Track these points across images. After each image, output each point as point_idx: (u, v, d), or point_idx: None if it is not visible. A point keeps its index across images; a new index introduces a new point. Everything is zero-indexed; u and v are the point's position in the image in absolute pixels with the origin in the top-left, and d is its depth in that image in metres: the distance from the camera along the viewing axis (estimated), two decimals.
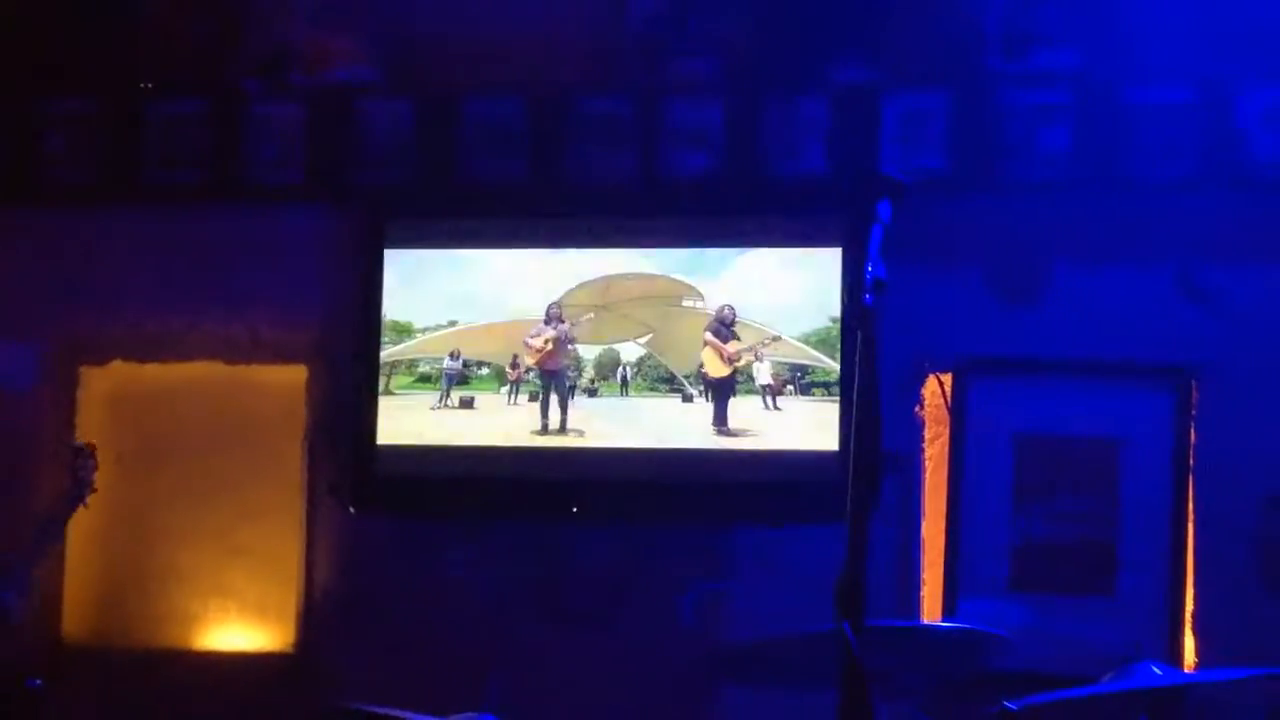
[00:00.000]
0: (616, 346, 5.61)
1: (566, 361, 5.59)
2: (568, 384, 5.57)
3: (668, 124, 5.55)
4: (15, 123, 5.89)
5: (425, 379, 5.68)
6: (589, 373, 5.59)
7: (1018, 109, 5.34)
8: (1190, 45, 5.23)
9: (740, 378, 5.48)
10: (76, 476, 5.37)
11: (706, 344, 5.52)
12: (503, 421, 5.61)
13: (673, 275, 5.56)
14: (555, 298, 5.60)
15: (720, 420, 5.48)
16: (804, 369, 5.45)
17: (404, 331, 5.69)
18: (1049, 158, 5.30)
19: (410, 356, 5.68)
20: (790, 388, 5.44)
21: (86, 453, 5.41)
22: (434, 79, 5.73)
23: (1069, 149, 5.29)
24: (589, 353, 5.61)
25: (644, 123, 5.56)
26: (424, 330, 5.69)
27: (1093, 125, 5.28)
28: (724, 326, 5.52)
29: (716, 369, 5.52)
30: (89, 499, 5.37)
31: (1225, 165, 5.20)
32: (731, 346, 5.50)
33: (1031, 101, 5.34)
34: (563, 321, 5.60)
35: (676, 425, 5.53)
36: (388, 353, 5.66)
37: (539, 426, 5.59)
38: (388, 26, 5.80)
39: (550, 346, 5.61)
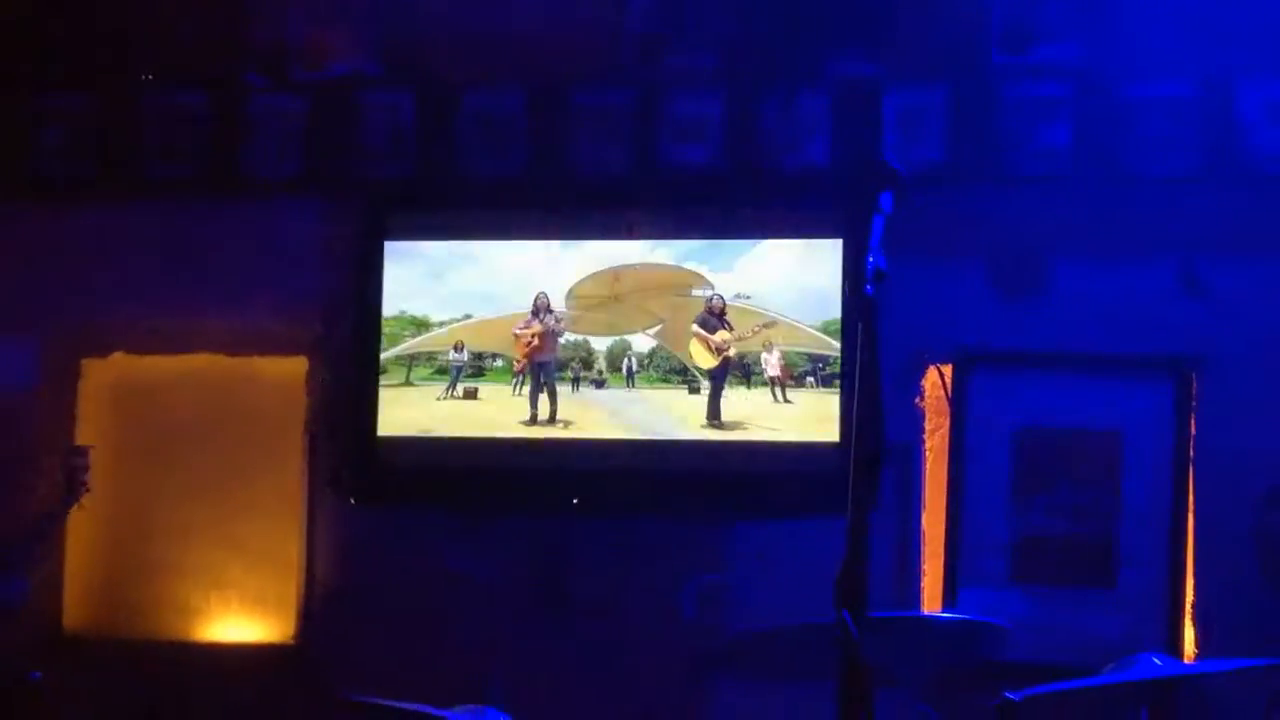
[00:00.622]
0: (628, 338, 5.60)
1: (569, 354, 5.58)
2: (571, 375, 5.57)
3: (667, 118, 5.55)
4: (15, 117, 5.89)
5: (443, 371, 5.68)
6: (599, 364, 5.59)
7: (1019, 103, 5.35)
8: (1191, 40, 5.22)
9: (755, 369, 5.46)
10: (71, 477, 5.37)
11: (693, 335, 5.51)
12: (498, 412, 5.62)
13: (685, 265, 5.55)
14: (564, 289, 5.59)
15: (714, 413, 5.47)
16: (824, 359, 5.42)
17: (422, 325, 5.69)
18: (1050, 152, 5.30)
19: (422, 350, 5.68)
20: (811, 379, 5.42)
21: (80, 452, 5.41)
22: (434, 72, 5.73)
23: (1070, 143, 5.29)
24: (601, 344, 5.60)
25: (643, 116, 5.56)
26: (441, 324, 5.69)
27: (1093, 120, 5.28)
28: (712, 316, 5.49)
29: (704, 360, 5.50)
30: (83, 499, 5.38)
31: (1226, 160, 5.20)
32: (719, 336, 5.48)
33: (1032, 96, 5.34)
34: (550, 313, 5.60)
35: (667, 418, 5.51)
36: (402, 346, 5.66)
37: (528, 417, 5.59)
38: (387, 20, 5.79)
39: (536, 341, 5.60)
